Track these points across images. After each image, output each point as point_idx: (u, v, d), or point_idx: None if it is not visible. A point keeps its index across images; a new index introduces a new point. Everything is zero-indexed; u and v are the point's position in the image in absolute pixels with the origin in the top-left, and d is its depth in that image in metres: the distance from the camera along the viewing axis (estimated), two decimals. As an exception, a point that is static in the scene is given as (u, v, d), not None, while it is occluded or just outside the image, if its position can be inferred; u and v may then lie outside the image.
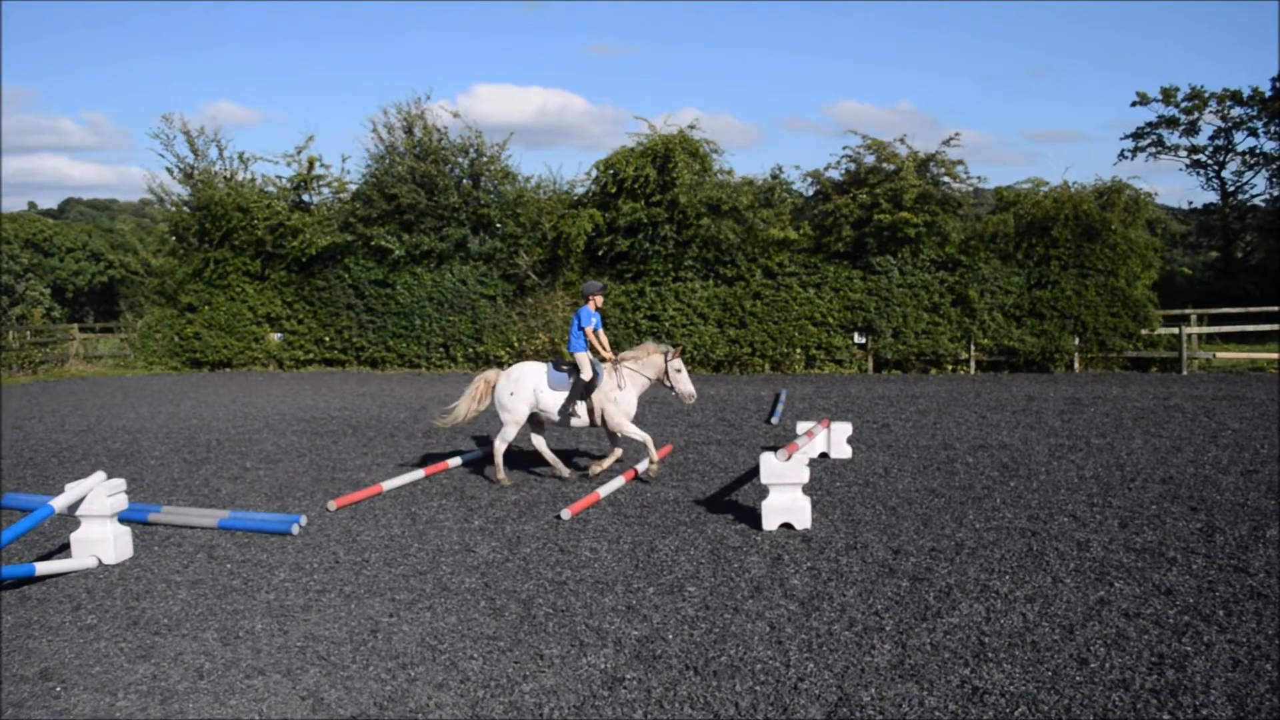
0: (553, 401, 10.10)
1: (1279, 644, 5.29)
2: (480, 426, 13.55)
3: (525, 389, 10.11)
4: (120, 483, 7.65)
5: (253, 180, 27.94)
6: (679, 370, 10.15)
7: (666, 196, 23.39)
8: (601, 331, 10.32)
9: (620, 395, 10.12)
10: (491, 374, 10.53)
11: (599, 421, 10.16)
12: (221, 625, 6.08)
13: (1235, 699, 4.66)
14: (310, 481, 10.60)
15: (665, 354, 10.17)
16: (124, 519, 7.94)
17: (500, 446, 10.20)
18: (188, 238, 27.43)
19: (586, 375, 9.96)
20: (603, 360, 10.23)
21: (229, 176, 27.98)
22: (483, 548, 7.71)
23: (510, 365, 10.40)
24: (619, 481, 9.77)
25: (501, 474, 10.15)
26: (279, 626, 6.03)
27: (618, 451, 10.42)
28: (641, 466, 10.35)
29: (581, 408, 10.07)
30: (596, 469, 10.33)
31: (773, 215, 23.64)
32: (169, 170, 27.88)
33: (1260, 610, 5.83)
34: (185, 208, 27.62)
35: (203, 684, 5.20)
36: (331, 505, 9.16)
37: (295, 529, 8.28)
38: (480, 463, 11.31)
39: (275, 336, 27.14)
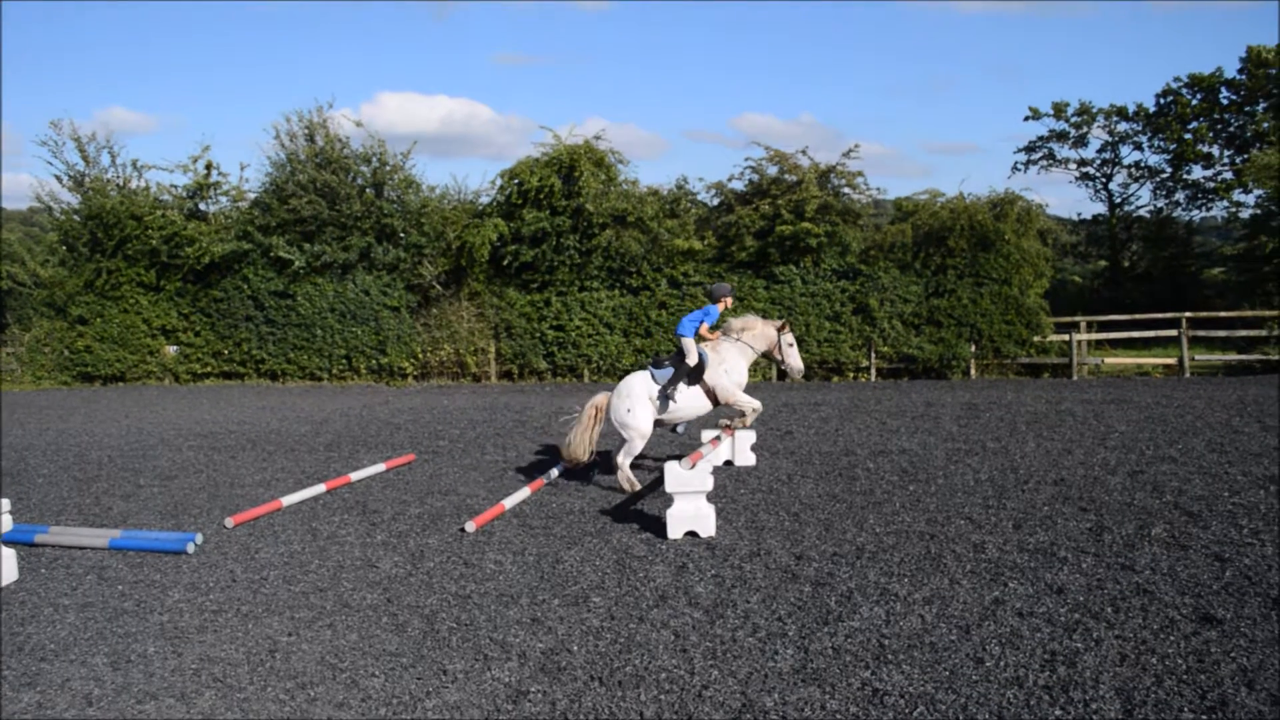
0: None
1: (1164, 638, 5.49)
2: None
3: (641, 398, 9.94)
4: (4, 503, 7.34)
5: (147, 188, 27.21)
6: (791, 344, 10.29)
7: (571, 205, 23.41)
8: (708, 325, 10.25)
9: (730, 367, 10.12)
10: (600, 399, 10.29)
11: (716, 401, 10.14)
12: (112, 649, 5.89)
13: (1123, 693, 4.82)
14: (207, 498, 10.33)
15: (778, 327, 10.30)
16: (8, 540, 7.64)
17: (624, 461, 9.95)
18: (78, 247, 26.55)
19: (692, 360, 9.92)
20: (704, 341, 10.22)
21: (122, 184, 27.19)
22: (385, 562, 7.60)
23: (618, 382, 10.26)
24: (524, 492, 9.73)
25: (634, 483, 9.91)
26: (173, 649, 5.86)
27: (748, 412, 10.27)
28: (739, 420, 10.31)
29: (683, 395, 9.97)
30: (742, 423, 10.30)
31: (677, 225, 23.81)
32: (58, 178, 27.11)
33: (1146, 606, 6.04)
34: (76, 217, 26.75)
35: (91, 711, 5.02)
36: (229, 522, 8.94)
37: (190, 548, 8.05)
38: (372, 477, 11.17)
39: (171, 349, 26.39)
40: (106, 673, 5.52)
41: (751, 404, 10.17)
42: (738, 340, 10.30)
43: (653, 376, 10.03)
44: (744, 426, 10.34)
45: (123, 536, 8.27)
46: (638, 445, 9.97)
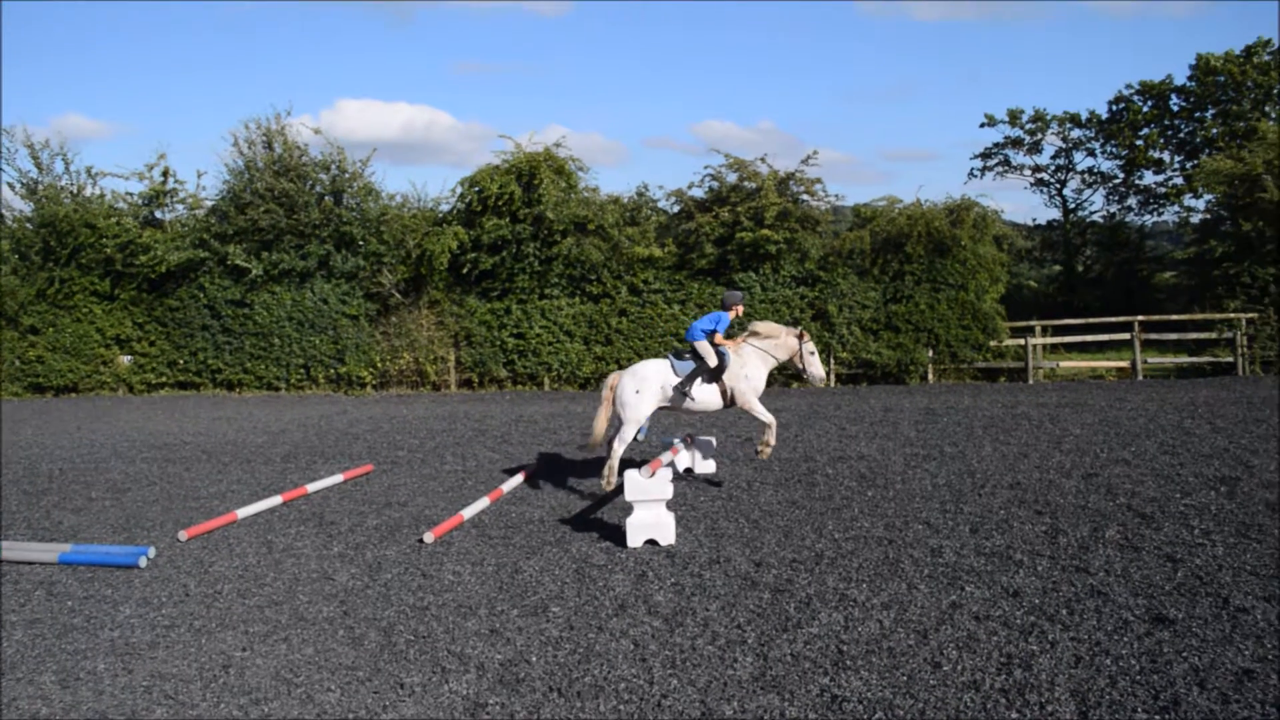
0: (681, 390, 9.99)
1: (1117, 639, 5.55)
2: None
3: (652, 385, 9.89)
4: (-51, 519, 7.22)
5: (101, 196, 26.83)
6: (812, 353, 10.28)
7: (531, 212, 23.36)
8: (720, 334, 10.15)
9: (750, 373, 10.12)
10: (614, 377, 10.20)
11: (730, 402, 10.11)
12: (60, 667, 5.78)
13: (1078, 694, 4.87)
14: (160, 511, 10.18)
15: (799, 336, 10.26)
16: (-47, 557, 7.49)
17: (619, 449, 9.86)
18: (31, 256, 26.09)
19: (712, 362, 9.87)
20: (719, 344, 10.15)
21: (76, 192, 26.82)
22: (342, 575, 7.52)
23: (633, 364, 10.13)
24: (483, 502, 9.67)
25: (616, 478, 9.79)
26: (123, 665, 5.76)
27: (770, 425, 10.19)
28: (761, 444, 10.14)
29: (700, 390, 9.92)
30: (765, 450, 10.16)
31: (638, 233, 23.82)
32: (10, 185, 26.74)
33: (1100, 608, 6.11)
34: (28, 224, 26.34)
35: (38, 730, 4.93)
36: (183, 535, 8.82)
37: (143, 561, 7.93)
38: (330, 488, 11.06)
39: (125, 359, 26.00)
40: (55, 691, 5.42)
41: (767, 417, 10.13)
42: (758, 345, 10.30)
43: (673, 368, 10.02)
44: (768, 446, 10.13)
45: (73, 551, 8.14)
46: (630, 431, 9.95)
